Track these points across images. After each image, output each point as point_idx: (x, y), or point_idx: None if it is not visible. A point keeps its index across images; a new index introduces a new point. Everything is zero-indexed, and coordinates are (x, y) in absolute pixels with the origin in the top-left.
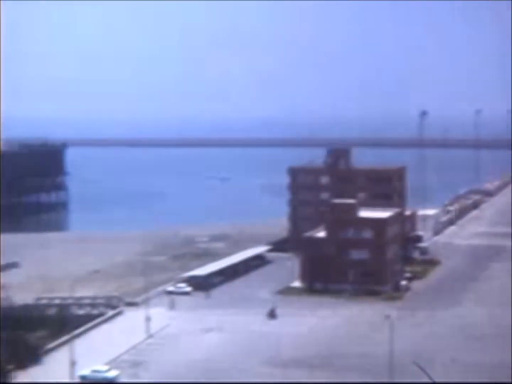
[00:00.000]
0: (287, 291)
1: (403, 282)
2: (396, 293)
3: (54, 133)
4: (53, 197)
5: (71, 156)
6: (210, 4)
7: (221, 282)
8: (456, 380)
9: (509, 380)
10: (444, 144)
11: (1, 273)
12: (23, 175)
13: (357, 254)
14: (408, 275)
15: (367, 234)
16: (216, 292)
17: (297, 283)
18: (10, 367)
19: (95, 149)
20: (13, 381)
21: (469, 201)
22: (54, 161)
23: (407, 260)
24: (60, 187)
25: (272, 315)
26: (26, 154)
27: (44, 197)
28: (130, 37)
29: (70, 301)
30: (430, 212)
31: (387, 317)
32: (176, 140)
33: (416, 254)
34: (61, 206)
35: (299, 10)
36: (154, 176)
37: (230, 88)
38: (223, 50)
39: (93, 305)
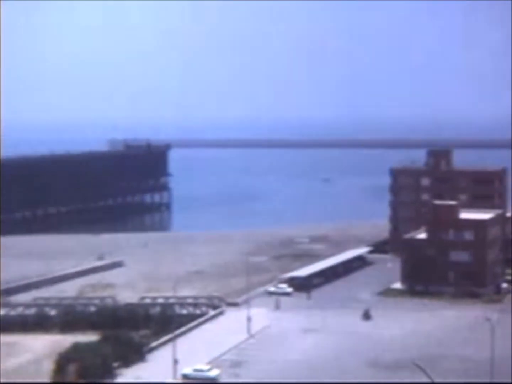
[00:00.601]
0: (388, 292)
1: (504, 285)
2: (497, 295)
3: (158, 135)
4: (156, 197)
5: (174, 157)
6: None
7: (321, 283)
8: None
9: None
10: None
11: (106, 272)
12: (127, 175)
13: (458, 256)
14: (509, 277)
15: (468, 235)
16: (317, 293)
17: (397, 285)
18: (115, 364)
19: (198, 150)
20: (118, 378)
21: None
22: (157, 162)
23: (508, 262)
24: (163, 188)
25: (367, 316)
26: (130, 155)
27: (147, 198)
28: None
29: (173, 300)
30: None
31: (488, 319)
32: (274, 141)
33: None
34: (164, 207)
35: None
36: (255, 177)
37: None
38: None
39: (195, 305)
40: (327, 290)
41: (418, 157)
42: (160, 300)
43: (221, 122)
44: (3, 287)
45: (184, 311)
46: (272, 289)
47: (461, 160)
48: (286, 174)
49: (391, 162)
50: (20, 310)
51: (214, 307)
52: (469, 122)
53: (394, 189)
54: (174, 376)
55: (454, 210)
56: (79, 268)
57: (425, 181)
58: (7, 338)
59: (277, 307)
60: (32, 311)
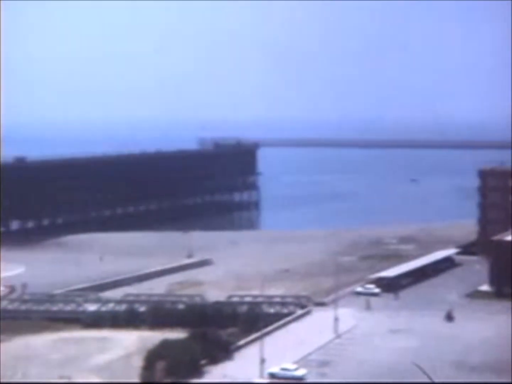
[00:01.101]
0: (475, 294)
1: None
2: None
3: (247, 133)
4: (245, 196)
5: (263, 156)
6: None
7: (409, 284)
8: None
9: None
10: None
11: (195, 270)
12: (216, 174)
13: None
14: None
15: None
16: (405, 294)
17: (485, 287)
18: (203, 362)
19: (285, 149)
20: (206, 376)
21: None
22: (246, 161)
23: None
24: (252, 186)
25: (449, 317)
26: (220, 154)
27: (236, 196)
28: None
29: (260, 299)
30: None
31: None
32: (360, 141)
33: None
34: (253, 205)
35: None
36: (342, 176)
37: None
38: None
39: (282, 304)
40: (415, 291)
41: (497, 158)
42: (248, 299)
43: (309, 121)
44: (96, 283)
45: (272, 310)
46: (359, 289)
47: None
48: (373, 174)
49: (473, 163)
50: (111, 306)
51: (302, 307)
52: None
53: (483, 191)
54: (261, 375)
55: None
56: (168, 266)
57: None
58: (98, 333)
59: (368, 307)
60: (122, 307)
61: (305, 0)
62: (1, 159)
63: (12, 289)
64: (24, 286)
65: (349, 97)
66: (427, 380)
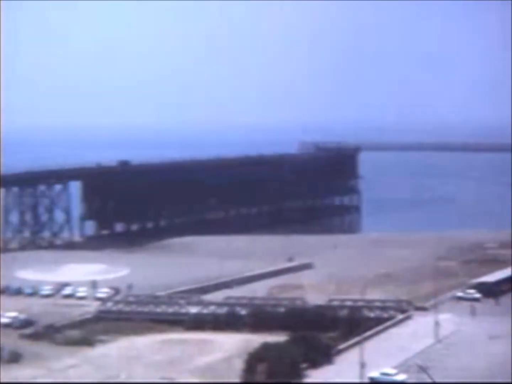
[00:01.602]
0: None
1: None
2: None
3: (348, 137)
4: (346, 200)
5: (364, 160)
6: None
7: (510, 290)
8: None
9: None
10: None
11: (295, 274)
12: (317, 178)
13: None
14: None
15: None
16: (506, 299)
17: None
18: (303, 365)
19: (385, 153)
20: (306, 379)
21: None
22: (347, 165)
23: None
24: (353, 190)
25: None
26: (321, 157)
27: (337, 200)
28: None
29: (360, 303)
30: None
31: None
32: (454, 144)
33: None
34: (354, 209)
35: None
36: (440, 180)
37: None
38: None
39: (383, 308)
40: None
41: None
42: (349, 303)
43: (408, 124)
44: (198, 285)
45: (372, 314)
46: (460, 294)
47: None
48: (471, 178)
49: None
50: (212, 308)
51: (402, 311)
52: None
53: None
54: (361, 379)
55: None
56: (269, 269)
57: None
58: (200, 335)
59: (473, 313)
60: (223, 310)
61: None
62: (106, 163)
63: (116, 290)
64: (129, 287)
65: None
66: (429, 380)
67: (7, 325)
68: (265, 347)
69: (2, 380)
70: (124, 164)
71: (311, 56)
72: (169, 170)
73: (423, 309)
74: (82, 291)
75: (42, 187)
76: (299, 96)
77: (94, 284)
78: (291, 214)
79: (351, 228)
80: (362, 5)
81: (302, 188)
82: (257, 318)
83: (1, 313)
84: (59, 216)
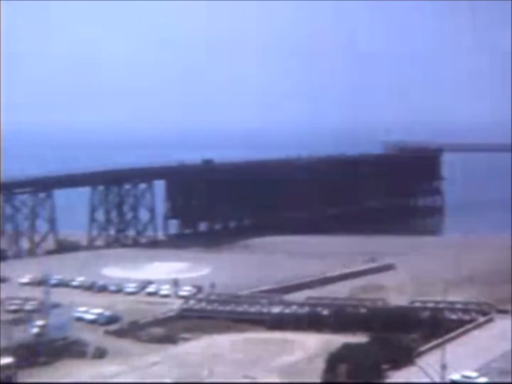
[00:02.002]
0: None
1: None
2: None
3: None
4: (429, 201)
5: (446, 161)
6: None
7: None
8: None
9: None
10: None
11: (377, 275)
12: (401, 178)
13: None
14: None
15: None
16: None
17: None
18: (384, 366)
19: (469, 154)
20: (387, 380)
21: None
22: (431, 166)
23: None
24: (436, 191)
25: None
26: (405, 158)
27: (421, 201)
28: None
29: (442, 305)
30: None
31: None
32: None
33: None
34: (437, 211)
35: None
36: None
37: None
38: None
39: (464, 311)
40: None
41: None
42: (430, 305)
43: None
44: (280, 285)
45: (454, 316)
46: None
47: None
48: None
49: None
50: (294, 308)
51: (484, 314)
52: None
53: None
54: (442, 381)
55: None
56: (351, 270)
57: None
58: (281, 335)
59: None
60: (305, 310)
61: None
62: (190, 162)
63: (199, 289)
64: (212, 286)
65: None
66: (428, 380)
67: (92, 321)
68: (346, 347)
69: (87, 375)
70: (208, 163)
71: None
72: (252, 169)
73: (505, 312)
74: (165, 289)
75: (127, 186)
76: (378, 95)
77: (176, 282)
78: (373, 215)
79: (435, 230)
80: None
81: (385, 189)
82: (339, 319)
83: (87, 309)
84: (144, 214)
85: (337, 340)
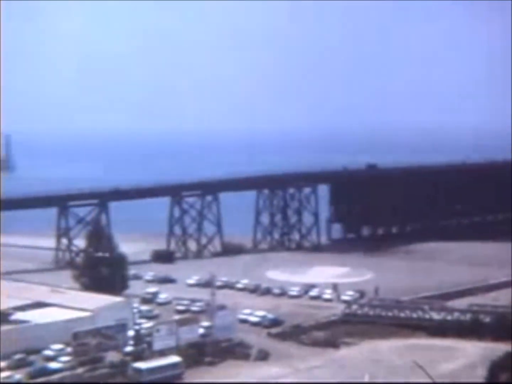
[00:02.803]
0: None
1: None
2: None
3: None
4: None
5: None
6: None
7: None
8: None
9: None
10: None
11: None
12: None
13: None
14: None
15: None
16: None
17: None
18: None
19: None
20: None
21: None
22: None
23: None
24: None
25: None
26: None
27: None
28: None
29: None
30: None
31: None
32: None
33: None
34: None
35: None
36: None
37: None
38: None
39: None
40: None
41: None
42: None
43: None
44: (441, 291)
45: None
46: None
47: None
48: None
49: None
50: (456, 315)
51: None
52: None
53: None
54: None
55: None
56: None
57: None
58: (443, 342)
59: None
60: (467, 317)
61: None
62: (355, 166)
63: (361, 294)
64: (376, 290)
65: None
66: (428, 380)
67: (256, 324)
68: (509, 356)
69: (250, 377)
70: (372, 168)
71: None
72: (415, 174)
73: None
74: (328, 293)
75: (291, 190)
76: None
77: (335, 287)
78: None
79: None
80: None
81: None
82: (501, 327)
83: (251, 311)
84: (307, 218)
85: (499, 348)
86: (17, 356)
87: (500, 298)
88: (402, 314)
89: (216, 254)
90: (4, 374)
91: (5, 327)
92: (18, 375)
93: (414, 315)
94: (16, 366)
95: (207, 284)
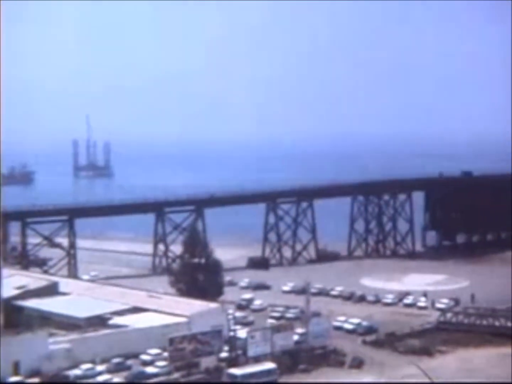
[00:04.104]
0: None
1: None
2: None
3: None
4: None
5: None
6: None
7: None
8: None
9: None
10: None
11: None
12: None
13: None
14: None
15: None
16: None
17: None
18: None
19: None
20: None
21: None
22: None
23: None
24: None
25: None
26: None
27: None
28: None
29: None
30: None
31: None
32: None
33: None
34: None
35: None
36: None
37: None
38: None
39: None
40: None
41: None
42: None
43: None
44: None
45: None
46: None
47: None
48: None
49: None
50: None
51: None
52: None
53: None
54: None
55: None
56: None
57: None
58: None
59: None
60: None
61: None
62: (450, 174)
63: (456, 301)
64: (472, 298)
65: None
66: (428, 380)
67: (351, 331)
68: None
69: None
70: (468, 175)
71: None
72: (509, 182)
73: None
74: (423, 301)
75: (386, 197)
76: None
77: (425, 295)
78: None
79: None
80: None
81: None
82: None
83: (346, 319)
84: (402, 225)
85: None
86: (116, 360)
87: None
88: (497, 323)
89: (310, 261)
90: (103, 377)
91: (104, 332)
92: (116, 379)
93: (509, 324)
94: (115, 370)
95: (302, 291)
